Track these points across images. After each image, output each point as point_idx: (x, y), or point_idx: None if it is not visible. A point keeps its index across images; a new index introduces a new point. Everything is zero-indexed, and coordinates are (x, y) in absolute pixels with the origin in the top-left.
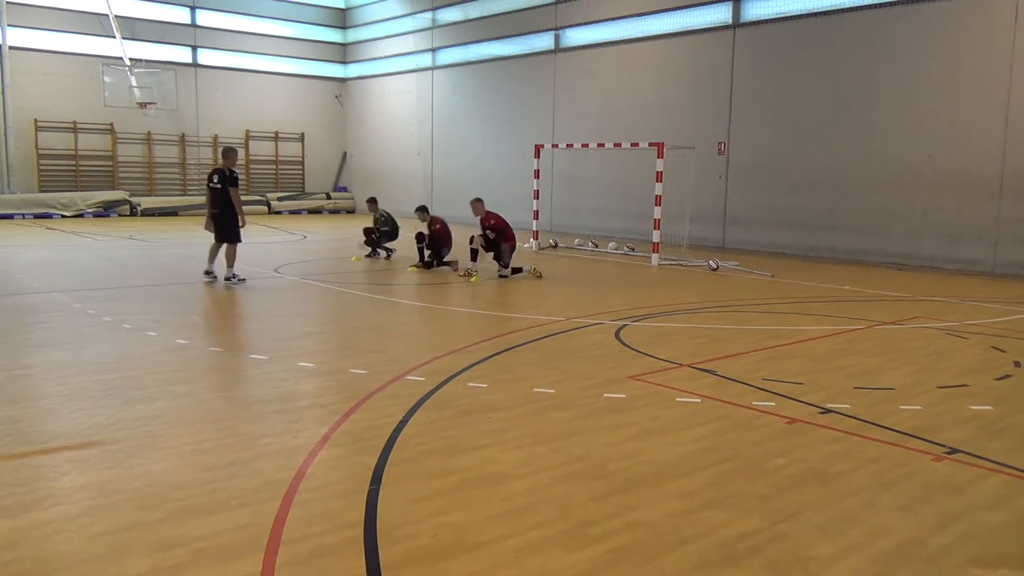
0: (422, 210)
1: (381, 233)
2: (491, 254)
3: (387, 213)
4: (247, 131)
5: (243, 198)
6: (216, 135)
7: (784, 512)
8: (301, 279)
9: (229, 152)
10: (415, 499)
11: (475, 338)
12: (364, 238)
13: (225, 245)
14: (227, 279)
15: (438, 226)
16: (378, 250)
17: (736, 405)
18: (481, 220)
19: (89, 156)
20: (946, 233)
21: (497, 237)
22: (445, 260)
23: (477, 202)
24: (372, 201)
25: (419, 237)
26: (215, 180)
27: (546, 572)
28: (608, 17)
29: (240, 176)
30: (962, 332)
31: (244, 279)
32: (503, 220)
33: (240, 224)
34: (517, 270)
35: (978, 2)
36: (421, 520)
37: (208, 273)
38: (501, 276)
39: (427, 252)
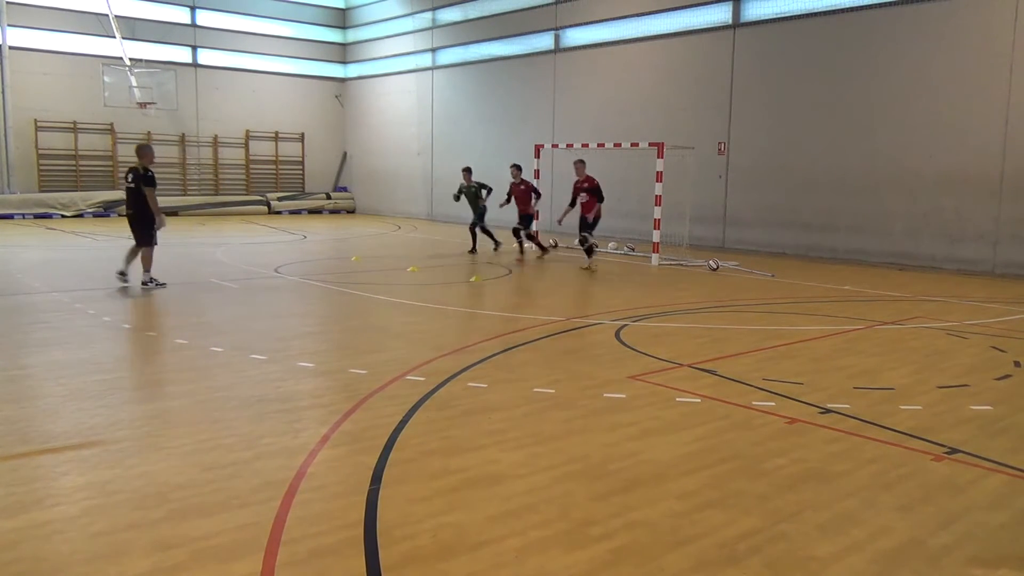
0: (516, 167)
1: (481, 200)
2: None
3: (479, 183)
4: (247, 131)
5: (244, 198)
6: (216, 135)
7: (784, 512)
8: (301, 279)
9: (144, 150)
10: (415, 499)
11: (475, 338)
12: (515, 239)
13: (141, 248)
14: (144, 284)
15: (523, 187)
16: (496, 240)
17: (736, 405)
18: (576, 183)
19: (89, 156)
20: (946, 233)
21: (592, 198)
22: (533, 237)
23: (580, 163)
24: (467, 171)
25: (515, 232)
26: (130, 179)
27: (546, 572)
28: (608, 17)
29: (156, 175)
30: (962, 332)
31: (164, 284)
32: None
33: (157, 225)
34: (588, 245)
35: (978, 2)
36: (421, 520)
37: (122, 274)
38: (581, 243)
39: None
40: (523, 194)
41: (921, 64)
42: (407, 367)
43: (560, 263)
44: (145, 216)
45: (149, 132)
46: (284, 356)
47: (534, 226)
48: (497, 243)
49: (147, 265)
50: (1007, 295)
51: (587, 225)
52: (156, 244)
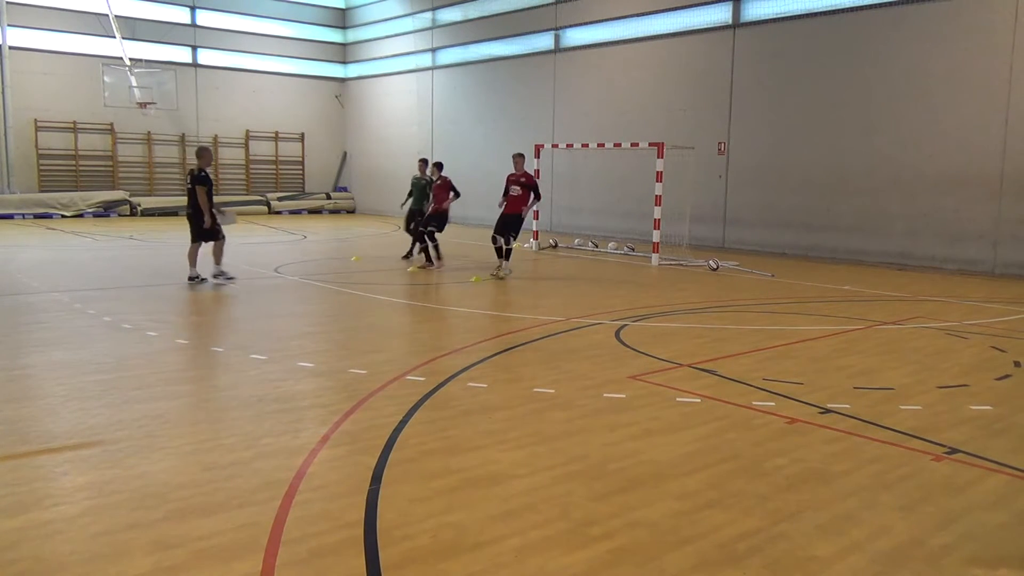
0: (437, 165)
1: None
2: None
3: (431, 179)
4: (247, 131)
5: (244, 198)
6: (216, 135)
7: (784, 512)
8: (301, 279)
9: (202, 152)
10: (415, 499)
11: (475, 338)
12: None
13: (211, 244)
14: (214, 276)
15: (440, 182)
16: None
17: (736, 405)
18: (511, 176)
19: (89, 156)
20: (946, 233)
21: (525, 192)
22: (432, 242)
23: (519, 156)
24: (423, 162)
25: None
26: (188, 181)
27: (546, 572)
28: (608, 17)
29: (211, 174)
30: (962, 332)
31: (205, 279)
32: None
33: (205, 224)
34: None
35: (978, 2)
36: (421, 520)
37: (219, 275)
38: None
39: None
40: (439, 192)
41: (921, 64)
42: (407, 367)
43: (560, 263)
44: (199, 216)
45: (149, 132)
46: (284, 356)
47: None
48: (411, 255)
49: (192, 261)
50: (1007, 295)
51: (511, 225)
52: (221, 239)
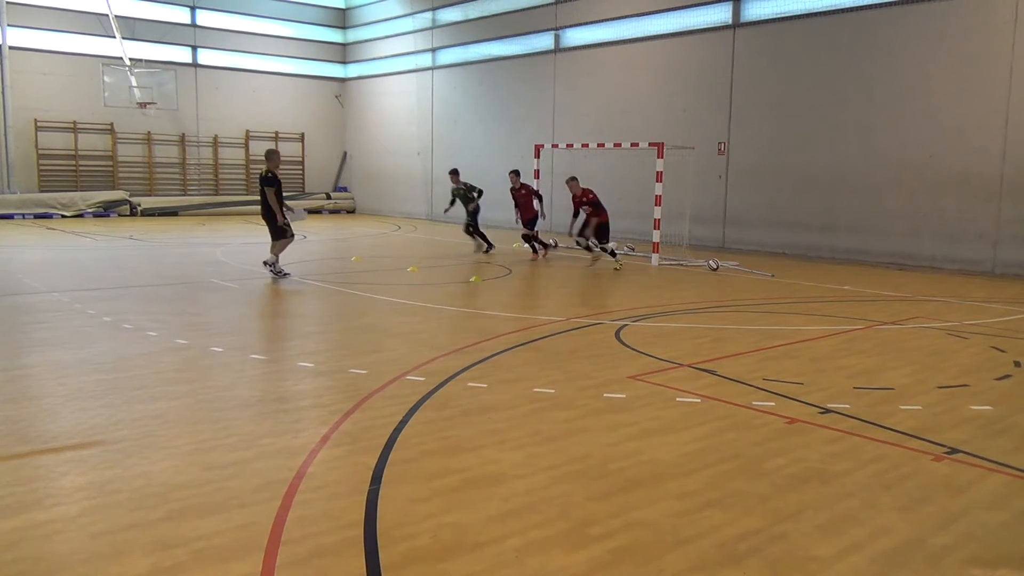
0: (514, 173)
1: (472, 200)
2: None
3: (467, 183)
4: (247, 131)
5: (242, 198)
6: (216, 135)
7: (784, 512)
8: (301, 279)
9: (269, 154)
10: (415, 499)
11: (475, 338)
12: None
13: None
14: (264, 263)
15: (524, 191)
16: (481, 240)
17: (736, 405)
18: (575, 198)
19: (89, 156)
20: (946, 233)
21: (594, 209)
22: (537, 239)
23: (573, 180)
24: (454, 172)
25: (525, 238)
26: (259, 182)
27: (546, 572)
28: (608, 17)
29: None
30: (962, 332)
31: (288, 274)
32: (595, 195)
33: (279, 222)
34: (610, 250)
35: (978, 2)
36: (421, 520)
37: (269, 266)
38: (600, 249)
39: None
40: (525, 199)
41: (921, 64)
42: (407, 367)
43: (560, 263)
44: (271, 215)
45: (149, 132)
46: (284, 356)
47: (539, 225)
48: (490, 245)
49: (275, 252)
50: (1007, 295)
51: (603, 233)
52: (289, 237)
